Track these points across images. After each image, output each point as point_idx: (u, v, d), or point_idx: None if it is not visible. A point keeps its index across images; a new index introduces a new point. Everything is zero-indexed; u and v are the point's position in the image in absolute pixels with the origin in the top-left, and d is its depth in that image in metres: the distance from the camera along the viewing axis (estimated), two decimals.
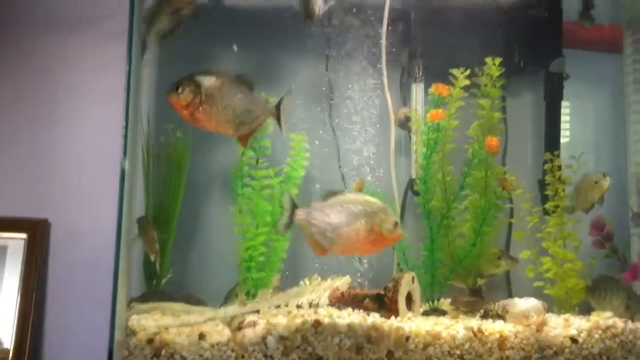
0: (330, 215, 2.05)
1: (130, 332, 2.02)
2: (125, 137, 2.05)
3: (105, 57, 2.68)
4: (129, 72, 2.09)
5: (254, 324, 2.11)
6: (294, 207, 2.08)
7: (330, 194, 2.13)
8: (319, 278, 2.68)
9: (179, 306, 2.45)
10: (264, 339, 2.03)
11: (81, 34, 2.69)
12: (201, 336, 2.01)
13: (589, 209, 2.73)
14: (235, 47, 2.88)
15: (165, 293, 2.59)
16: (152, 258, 2.49)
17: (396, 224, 2.07)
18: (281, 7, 2.92)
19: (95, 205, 2.60)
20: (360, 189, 2.72)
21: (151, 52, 2.78)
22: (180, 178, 2.68)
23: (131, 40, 2.11)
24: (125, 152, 2.04)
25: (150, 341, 1.98)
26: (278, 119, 2.25)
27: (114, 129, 2.60)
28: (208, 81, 2.11)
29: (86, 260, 2.57)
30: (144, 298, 2.54)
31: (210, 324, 2.20)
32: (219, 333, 2.07)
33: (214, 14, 2.97)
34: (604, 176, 2.71)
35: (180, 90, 2.07)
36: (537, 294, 2.60)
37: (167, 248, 2.64)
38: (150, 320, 2.25)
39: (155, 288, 2.62)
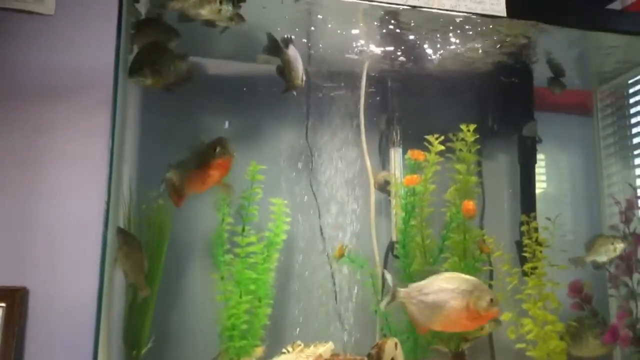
0: (429, 295, 2.19)
1: None
2: (107, 207, 2.06)
3: (90, 125, 2.73)
4: (112, 144, 2.11)
5: None
6: (395, 285, 2.25)
7: (427, 272, 2.30)
8: (302, 344, 2.66)
9: None
10: None
11: (64, 102, 2.74)
12: None
13: (599, 266, 2.82)
14: (226, 124, 2.94)
15: None
16: (138, 289, 2.40)
17: (492, 300, 2.17)
18: (262, 75, 2.99)
19: (75, 274, 2.59)
20: (341, 254, 2.74)
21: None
22: (162, 245, 2.67)
23: (115, 107, 2.15)
24: (106, 223, 2.05)
25: None
26: None
27: (95, 196, 2.62)
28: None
29: (65, 330, 2.54)
30: None
31: None
32: None
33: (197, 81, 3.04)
34: (621, 240, 2.80)
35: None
36: (519, 356, 2.60)
37: (147, 316, 2.61)
38: None
39: (136, 358, 2.58)
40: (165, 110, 2.90)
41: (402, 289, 2.22)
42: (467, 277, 2.25)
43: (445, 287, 2.19)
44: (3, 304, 2.49)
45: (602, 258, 2.85)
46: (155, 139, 2.90)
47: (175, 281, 2.80)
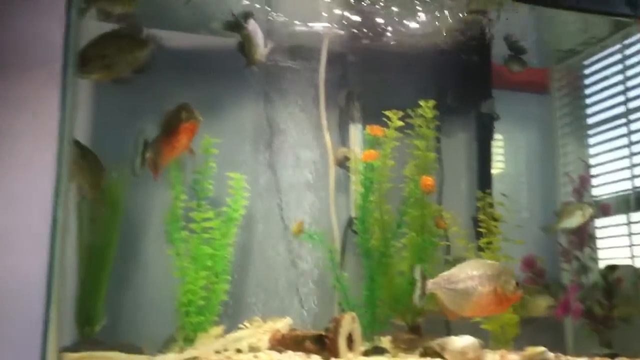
0: (458, 283, 2.24)
1: None
2: (58, 181, 1.99)
3: (39, 100, 2.62)
4: (62, 113, 2.03)
5: None
6: (425, 278, 2.28)
7: (456, 260, 2.40)
8: (260, 320, 2.65)
9: (113, 355, 2.36)
10: None
11: (12, 77, 2.63)
12: None
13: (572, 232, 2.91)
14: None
15: (99, 341, 2.49)
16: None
17: (517, 284, 2.22)
18: (221, 48, 2.93)
19: (24, 250, 2.50)
20: (300, 230, 2.73)
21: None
22: (115, 221, 2.61)
23: (65, 82, 2.07)
24: (57, 198, 1.98)
25: None
26: None
27: (45, 171, 2.53)
28: None
29: (14, 307, 2.45)
30: (76, 347, 2.43)
31: None
32: None
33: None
34: (589, 206, 2.85)
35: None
36: (474, 329, 2.65)
37: (101, 293, 2.56)
38: None
39: (89, 336, 2.52)
40: (120, 85, 2.82)
41: (431, 280, 2.26)
42: (492, 262, 2.32)
43: (473, 274, 2.24)
44: None
45: (572, 224, 2.90)
46: (109, 114, 2.83)
47: (130, 258, 2.75)
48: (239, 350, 2.39)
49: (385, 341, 2.68)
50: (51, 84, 2.57)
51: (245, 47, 2.58)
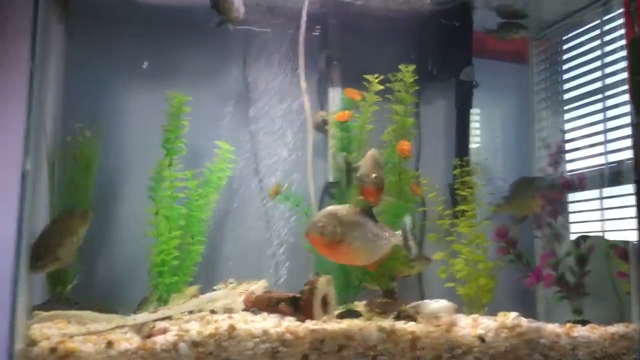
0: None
1: (32, 342, 1.90)
2: (27, 137, 1.93)
3: (8, 55, 2.54)
4: (32, 68, 1.97)
5: (164, 331, 2.04)
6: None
7: None
8: (234, 282, 2.64)
9: (85, 314, 2.34)
10: (175, 345, 1.96)
11: None
12: (109, 344, 1.92)
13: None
14: (145, 64, 2.81)
15: (71, 300, 2.47)
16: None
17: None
18: (197, 6, 2.86)
19: None
20: (277, 193, 2.71)
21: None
22: (88, 179, 2.57)
23: (35, 33, 1.99)
24: (25, 154, 1.92)
25: (53, 350, 1.86)
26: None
27: (15, 128, 2.46)
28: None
29: None
30: (47, 306, 2.41)
31: (119, 331, 2.11)
32: (127, 341, 1.98)
33: (127, 10, 2.88)
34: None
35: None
36: (449, 295, 2.67)
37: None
38: (54, 329, 2.13)
39: (60, 295, 2.50)
40: (92, 40, 2.75)
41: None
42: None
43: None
44: None
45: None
46: (81, 69, 2.75)
47: (103, 216, 2.71)
48: (213, 311, 2.39)
49: (360, 305, 2.70)
50: (20, 36, 2.50)
51: (219, 3, 2.51)
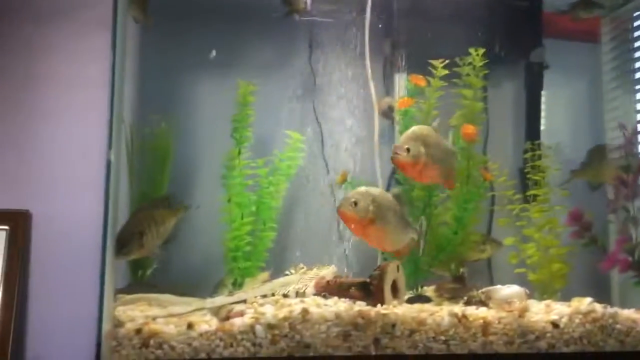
0: None
1: (118, 323, 2.01)
2: (111, 128, 2.03)
3: (87, 46, 2.66)
4: (114, 61, 2.05)
5: (241, 314, 2.11)
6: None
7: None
8: (304, 267, 2.70)
9: (165, 297, 2.45)
10: (252, 327, 2.03)
11: (62, 23, 2.66)
12: (189, 326, 2.01)
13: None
14: (213, 53, 2.87)
15: (150, 284, 2.58)
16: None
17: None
18: None
19: (76, 196, 2.57)
20: (344, 180, 2.75)
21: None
22: (165, 169, 2.67)
23: (115, 28, 2.08)
24: (110, 144, 2.02)
25: (138, 331, 1.97)
26: None
27: (95, 119, 2.58)
28: None
29: (68, 251, 2.54)
30: (129, 289, 2.53)
31: (198, 314, 2.20)
32: (206, 322, 2.07)
33: (195, 3, 2.96)
34: None
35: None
36: (518, 281, 2.64)
37: None
38: (137, 311, 2.25)
39: (141, 279, 2.61)
40: (166, 32, 2.83)
41: None
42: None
43: None
44: (6, 227, 2.49)
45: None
46: (156, 61, 2.85)
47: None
48: (285, 295, 2.45)
49: (429, 290, 2.71)
50: (101, 30, 2.61)
51: None
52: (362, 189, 2.22)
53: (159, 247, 2.26)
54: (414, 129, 2.28)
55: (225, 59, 2.92)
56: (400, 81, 2.98)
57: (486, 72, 2.69)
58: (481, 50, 2.67)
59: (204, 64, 2.95)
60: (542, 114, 3.17)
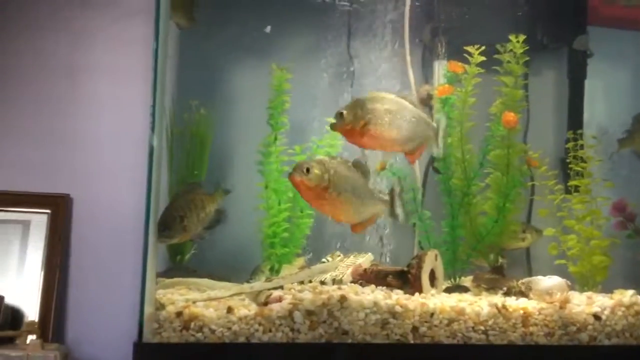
0: None
1: (160, 306, 2.04)
2: (153, 114, 2.04)
3: (126, 35, 2.69)
4: (156, 48, 2.07)
5: (279, 299, 2.12)
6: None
7: None
8: (341, 255, 2.70)
9: (203, 281, 2.47)
10: (290, 313, 2.04)
11: (102, 12, 2.70)
12: (229, 310, 2.03)
13: None
14: (268, 28, 2.87)
15: (189, 268, 2.61)
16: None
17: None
18: None
19: (116, 181, 2.63)
20: (383, 167, 2.73)
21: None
22: (203, 155, 2.69)
23: (158, 16, 2.09)
24: (153, 129, 2.04)
25: (179, 314, 1.99)
26: None
27: (135, 106, 2.62)
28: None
29: (108, 235, 2.61)
30: (169, 273, 2.56)
31: (237, 298, 2.22)
32: (245, 307, 2.09)
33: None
34: None
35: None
36: (558, 272, 2.60)
37: None
38: (177, 295, 2.28)
39: (180, 263, 2.65)
40: (204, 20, 2.84)
41: None
42: None
43: None
44: (48, 210, 2.56)
45: None
46: (195, 47, 2.86)
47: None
48: (322, 282, 2.46)
49: (467, 281, 2.69)
50: (142, 17, 2.64)
51: None
52: (318, 156, 2.15)
53: (202, 231, 2.26)
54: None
55: (263, 45, 2.92)
56: (440, 68, 2.94)
57: (527, 59, 2.63)
58: (522, 37, 2.61)
59: (241, 51, 2.95)
60: (585, 102, 3.10)
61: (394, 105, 2.29)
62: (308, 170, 2.05)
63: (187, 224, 2.17)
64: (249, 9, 2.92)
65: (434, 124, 2.46)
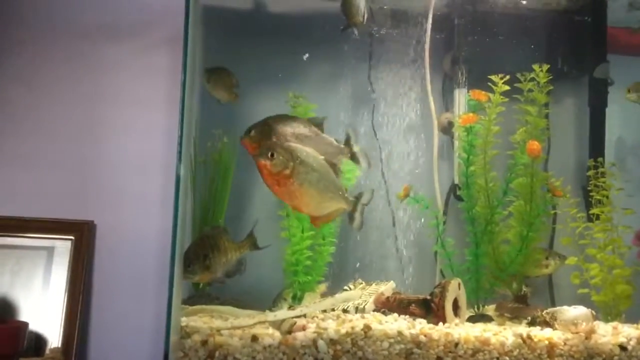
0: None
1: (185, 334, 2.04)
2: (180, 143, 2.06)
3: (153, 63, 2.73)
4: (184, 80, 2.10)
5: (303, 328, 2.12)
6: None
7: None
8: (363, 282, 2.69)
9: (226, 309, 2.48)
10: (314, 342, 2.04)
11: (129, 41, 2.74)
12: (254, 338, 2.03)
13: None
14: (306, 56, 2.90)
15: (212, 296, 2.62)
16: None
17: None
18: (323, 14, 2.94)
19: (139, 208, 2.65)
20: (406, 195, 2.74)
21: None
22: (226, 183, 2.71)
23: (186, 49, 2.13)
24: (180, 159, 2.06)
25: (204, 343, 2.00)
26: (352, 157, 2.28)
27: (159, 134, 2.65)
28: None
29: (131, 262, 2.62)
30: (192, 300, 2.57)
31: (260, 327, 2.22)
32: (270, 336, 2.08)
33: (257, 21, 3.00)
34: None
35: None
36: (580, 301, 2.58)
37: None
38: (200, 322, 2.28)
39: (203, 291, 2.65)
40: (228, 49, 2.88)
41: None
42: None
43: None
44: (72, 237, 2.57)
45: None
46: None
47: (240, 217, 2.85)
48: (345, 311, 2.45)
49: (490, 309, 2.67)
50: (168, 48, 2.68)
51: (345, 6, 2.56)
52: (289, 144, 2.05)
53: (222, 276, 2.25)
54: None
55: (285, 74, 2.95)
56: (460, 97, 2.96)
57: (550, 88, 2.65)
58: (545, 67, 2.63)
59: (263, 79, 2.99)
60: (606, 130, 3.09)
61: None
62: (272, 155, 1.96)
63: (210, 264, 2.17)
64: (272, 40, 2.96)
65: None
